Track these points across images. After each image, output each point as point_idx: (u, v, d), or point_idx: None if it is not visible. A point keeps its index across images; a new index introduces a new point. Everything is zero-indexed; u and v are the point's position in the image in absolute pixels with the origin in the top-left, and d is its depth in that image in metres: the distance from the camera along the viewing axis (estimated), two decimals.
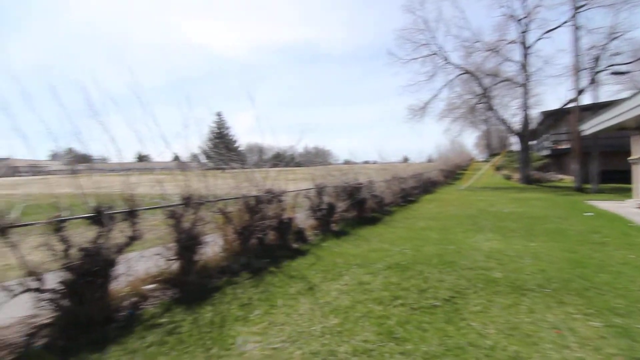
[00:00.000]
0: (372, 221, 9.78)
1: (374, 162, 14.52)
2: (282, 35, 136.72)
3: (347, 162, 13.20)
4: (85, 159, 4.98)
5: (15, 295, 3.60)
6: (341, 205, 8.81)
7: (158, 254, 4.67)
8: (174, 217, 4.67)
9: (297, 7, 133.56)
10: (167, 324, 3.73)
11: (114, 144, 4.22)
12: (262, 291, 4.53)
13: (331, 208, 8.30)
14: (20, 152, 4.03)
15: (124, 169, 4.44)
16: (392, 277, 4.98)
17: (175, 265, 4.73)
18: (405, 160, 20.23)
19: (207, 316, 3.87)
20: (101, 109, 4.15)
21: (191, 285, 4.63)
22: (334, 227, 8.55)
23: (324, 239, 7.62)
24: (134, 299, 4.24)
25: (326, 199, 8.35)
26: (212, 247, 5.48)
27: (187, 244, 4.68)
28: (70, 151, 4.63)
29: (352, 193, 9.41)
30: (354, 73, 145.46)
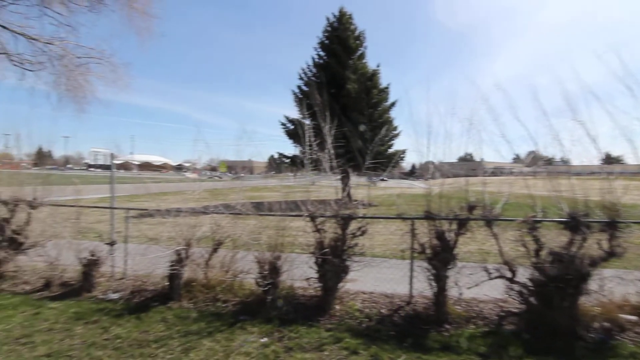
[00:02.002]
0: None
1: None
2: None
3: None
4: (551, 161, 4.89)
5: (491, 278, 4.22)
6: None
7: None
8: None
9: None
10: None
11: (591, 143, 3.79)
12: None
13: None
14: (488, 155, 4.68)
15: (602, 172, 3.87)
16: None
17: None
18: None
19: None
20: (577, 107, 3.86)
21: None
22: None
23: None
24: (605, 324, 3.65)
25: None
26: None
27: None
28: (535, 153, 4.71)
29: None
30: None
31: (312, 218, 4.34)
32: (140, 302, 4.38)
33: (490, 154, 4.67)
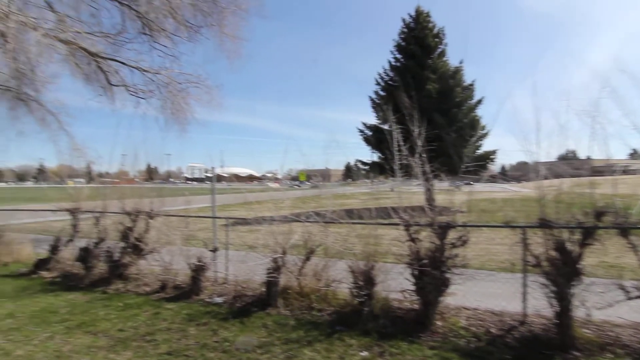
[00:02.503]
0: None
1: None
2: None
3: None
4: None
5: (630, 298, 3.52)
6: None
7: None
8: None
9: None
10: None
11: None
12: None
13: None
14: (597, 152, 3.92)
15: None
16: None
17: None
18: None
19: None
20: None
21: None
22: None
23: None
24: None
25: None
26: None
27: None
28: None
29: None
30: None
31: (407, 226, 4.13)
32: (242, 307, 4.62)
33: (609, 149, 3.92)
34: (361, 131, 19.47)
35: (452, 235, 4.07)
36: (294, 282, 4.76)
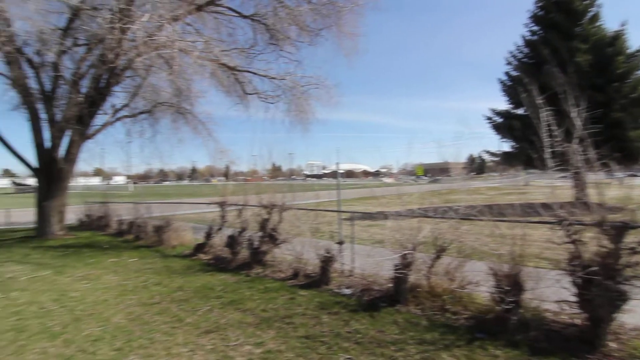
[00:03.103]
0: None
1: None
2: None
3: None
4: None
5: None
6: None
7: None
8: None
9: None
10: None
11: None
12: None
13: None
14: None
15: None
16: None
17: None
18: None
19: None
20: None
21: None
22: None
23: None
24: None
25: None
26: None
27: None
28: None
29: None
30: None
31: (566, 226, 3.47)
32: (370, 301, 4.63)
33: None
34: (489, 118, 17.43)
35: (630, 238, 3.25)
36: (424, 280, 4.53)
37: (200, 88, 12.32)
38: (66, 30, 9.30)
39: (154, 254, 8.32)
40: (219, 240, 7.72)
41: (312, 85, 10.96)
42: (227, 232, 7.40)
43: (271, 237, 6.36)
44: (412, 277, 4.52)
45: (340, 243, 5.64)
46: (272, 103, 11.21)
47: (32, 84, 9.99)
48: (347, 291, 4.98)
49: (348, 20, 10.15)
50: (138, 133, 13.02)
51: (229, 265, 6.75)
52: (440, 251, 4.49)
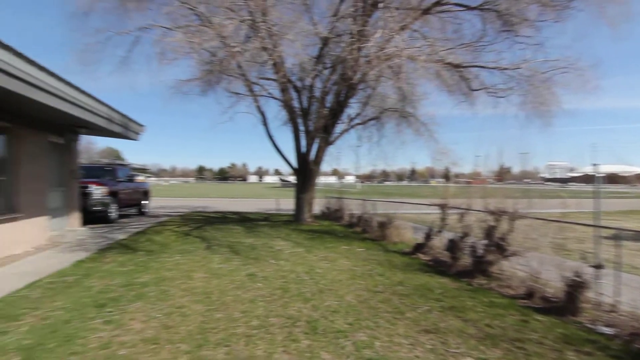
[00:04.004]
0: None
1: None
2: None
3: None
4: None
5: None
6: None
7: None
8: None
9: None
10: None
11: None
12: None
13: None
14: None
15: None
16: None
17: None
18: None
19: None
20: None
21: None
22: None
23: None
24: None
25: None
26: None
27: None
28: None
29: None
30: None
31: None
32: None
33: None
34: None
35: None
36: None
37: (424, 90, 12.56)
38: (318, 58, 11.58)
39: (377, 247, 9.14)
40: (439, 242, 7.63)
41: (557, 69, 9.02)
42: (448, 235, 7.21)
43: (498, 247, 5.71)
44: None
45: (598, 267, 4.39)
46: (502, 97, 10.02)
47: (295, 104, 12.99)
48: (607, 330, 3.83)
49: None
50: (367, 138, 14.62)
51: (448, 269, 6.56)
52: None
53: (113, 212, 12.70)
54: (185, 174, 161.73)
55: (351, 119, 14.03)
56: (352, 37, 9.54)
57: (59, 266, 6.57)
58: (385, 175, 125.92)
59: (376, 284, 5.81)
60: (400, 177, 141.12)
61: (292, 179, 18.07)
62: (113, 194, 12.70)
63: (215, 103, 16.70)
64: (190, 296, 5.02)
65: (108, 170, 13.92)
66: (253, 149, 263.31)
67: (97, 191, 11.95)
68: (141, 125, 12.75)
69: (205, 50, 9.35)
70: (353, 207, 13.54)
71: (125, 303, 4.69)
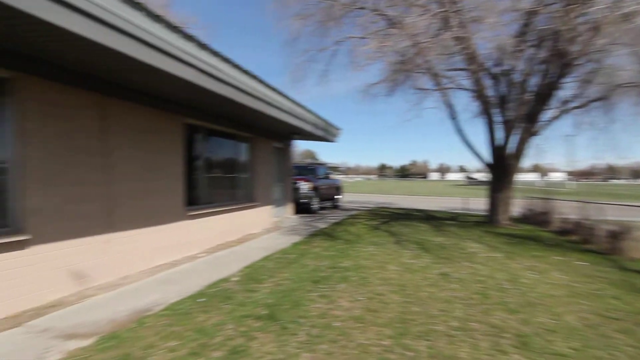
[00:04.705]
0: None
1: None
2: None
3: None
4: None
5: None
6: None
7: None
8: None
9: None
10: None
11: None
12: None
13: None
14: None
15: None
16: None
17: None
18: None
19: None
20: None
21: None
22: None
23: None
24: None
25: None
26: None
27: None
28: None
29: None
30: None
31: None
32: None
33: None
34: None
35: None
36: None
37: None
38: (520, 36, 10.06)
39: (606, 262, 7.23)
40: None
41: None
42: None
43: None
44: None
45: None
46: None
47: (490, 92, 11.72)
48: None
49: None
50: (588, 124, 11.70)
51: None
52: None
53: (315, 204, 14.85)
54: (367, 171, 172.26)
55: (564, 103, 11.54)
56: (569, 3, 7.83)
57: (282, 245, 8.23)
58: (611, 172, 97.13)
59: (608, 309, 4.63)
60: (637, 173, 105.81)
61: (480, 176, 16.33)
62: (315, 189, 14.85)
63: (401, 101, 17.03)
64: (386, 286, 5.34)
65: (310, 169, 16.37)
66: (435, 146, 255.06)
67: (304, 186, 14.27)
68: (338, 129, 14.38)
69: (395, 52, 9.67)
70: (565, 210, 11.16)
71: (333, 283, 5.43)
